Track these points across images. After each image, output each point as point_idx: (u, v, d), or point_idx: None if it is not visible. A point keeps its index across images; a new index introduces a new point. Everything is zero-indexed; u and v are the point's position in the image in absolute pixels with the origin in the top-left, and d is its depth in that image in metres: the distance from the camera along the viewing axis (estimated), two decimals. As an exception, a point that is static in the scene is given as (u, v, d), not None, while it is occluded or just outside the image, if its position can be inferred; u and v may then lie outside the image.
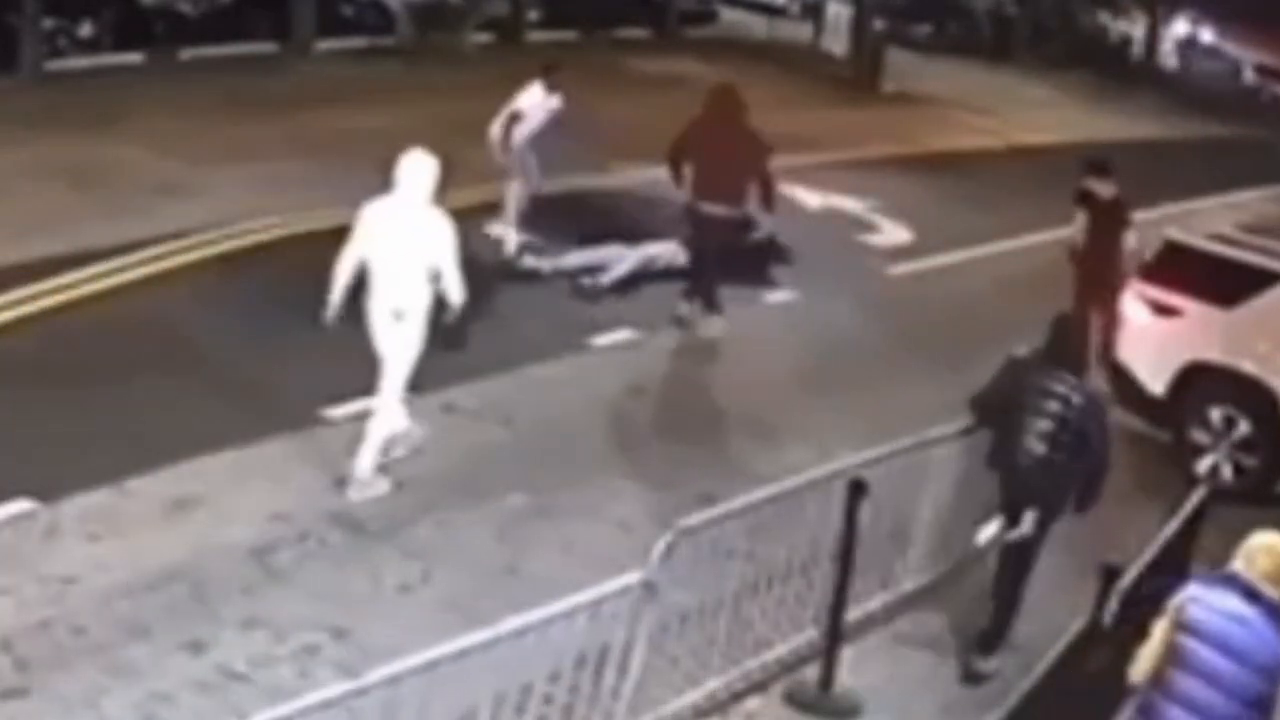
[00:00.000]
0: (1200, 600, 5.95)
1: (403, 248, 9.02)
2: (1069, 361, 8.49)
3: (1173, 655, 5.93)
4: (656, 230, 14.19)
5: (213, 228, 13.60)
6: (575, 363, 12.05)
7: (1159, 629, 6.02)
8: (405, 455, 9.67)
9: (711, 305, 12.96)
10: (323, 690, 5.65)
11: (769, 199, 12.97)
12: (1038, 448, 8.15)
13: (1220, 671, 5.84)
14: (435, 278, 9.09)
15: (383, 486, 9.37)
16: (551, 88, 14.24)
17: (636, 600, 6.63)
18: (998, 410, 8.43)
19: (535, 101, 14.19)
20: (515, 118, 14.04)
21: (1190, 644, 5.89)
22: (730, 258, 13.04)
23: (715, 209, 12.54)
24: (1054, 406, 8.17)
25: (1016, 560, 8.26)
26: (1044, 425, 8.15)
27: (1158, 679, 5.98)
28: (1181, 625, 5.93)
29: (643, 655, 6.78)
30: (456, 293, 9.16)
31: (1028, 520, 8.15)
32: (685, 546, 6.90)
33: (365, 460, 9.32)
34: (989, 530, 8.31)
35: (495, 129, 14.10)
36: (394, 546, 8.81)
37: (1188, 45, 39.95)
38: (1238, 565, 5.97)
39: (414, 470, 9.73)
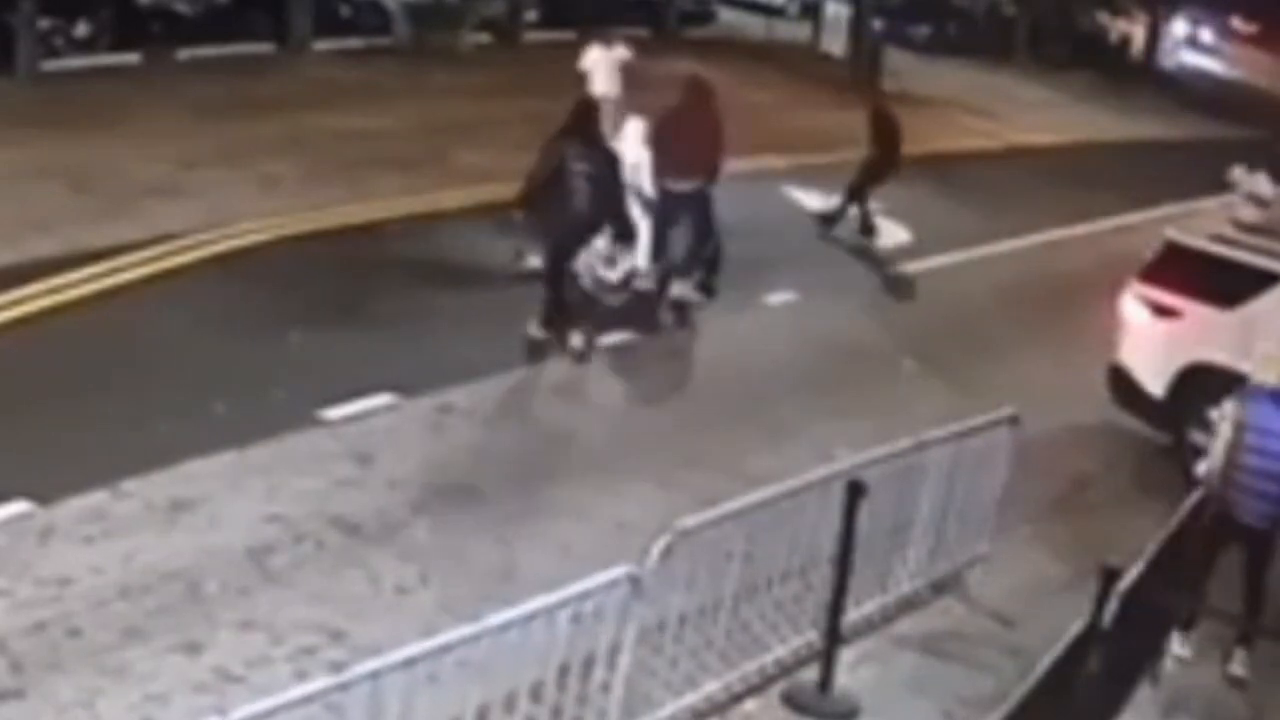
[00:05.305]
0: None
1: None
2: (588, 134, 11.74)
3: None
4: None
5: (209, 228, 13.56)
6: (573, 363, 12.02)
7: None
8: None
9: (683, 273, 13.57)
10: (307, 685, 5.61)
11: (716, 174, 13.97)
12: (580, 205, 11.47)
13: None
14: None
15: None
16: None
17: (625, 596, 6.59)
18: (548, 183, 11.50)
19: None
20: None
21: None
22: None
23: (682, 185, 13.37)
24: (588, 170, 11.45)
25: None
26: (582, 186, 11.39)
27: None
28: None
29: (631, 652, 6.74)
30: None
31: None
32: (683, 548, 6.88)
33: (641, 260, 13.28)
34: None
35: None
36: (391, 548, 8.77)
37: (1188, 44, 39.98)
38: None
39: (411, 471, 9.71)
